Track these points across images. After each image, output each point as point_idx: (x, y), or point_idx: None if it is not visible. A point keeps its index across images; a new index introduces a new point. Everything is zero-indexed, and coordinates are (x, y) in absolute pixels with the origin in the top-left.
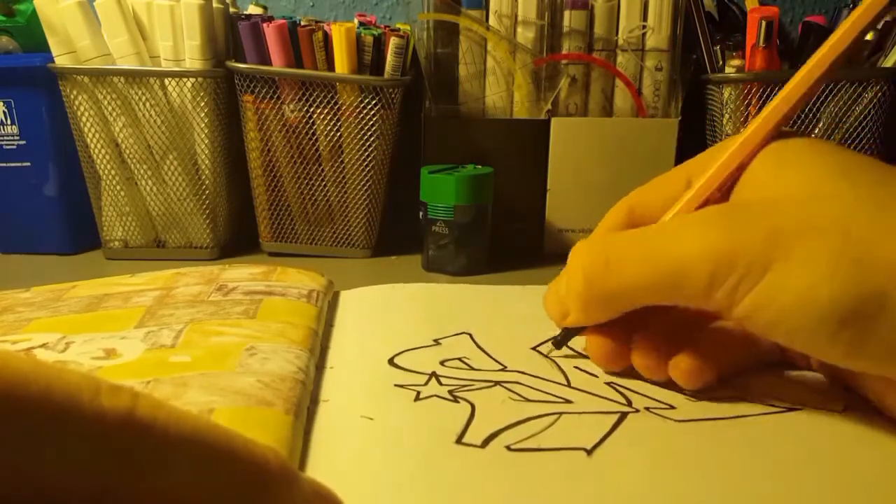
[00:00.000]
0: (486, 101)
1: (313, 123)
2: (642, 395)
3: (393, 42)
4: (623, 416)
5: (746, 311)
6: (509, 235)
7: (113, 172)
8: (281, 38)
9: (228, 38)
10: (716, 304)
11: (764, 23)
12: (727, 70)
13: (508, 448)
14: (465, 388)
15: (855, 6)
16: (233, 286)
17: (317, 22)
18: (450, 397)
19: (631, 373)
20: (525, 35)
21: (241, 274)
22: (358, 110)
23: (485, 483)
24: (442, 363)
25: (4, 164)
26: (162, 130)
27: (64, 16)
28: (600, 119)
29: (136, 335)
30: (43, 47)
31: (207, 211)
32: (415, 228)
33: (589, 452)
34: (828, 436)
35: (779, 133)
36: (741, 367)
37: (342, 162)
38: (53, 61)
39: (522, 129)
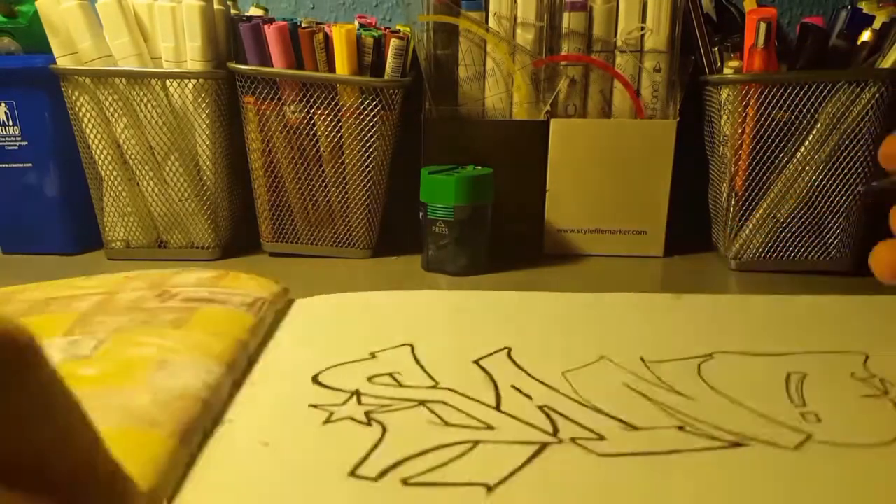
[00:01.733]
0: (486, 102)
1: (314, 124)
2: (574, 422)
3: (393, 44)
4: (543, 447)
5: None
6: (509, 235)
7: (115, 173)
8: (282, 40)
9: (230, 39)
10: None
11: (762, 24)
12: (725, 71)
13: (405, 482)
14: (385, 409)
15: (853, 8)
16: (175, 292)
17: (317, 23)
18: (364, 420)
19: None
20: (524, 36)
21: (190, 279)
22: (358, 111)
23: None
24: (369, 379)
25: (6, 165)
26: (163, 131)
27: (65, 17)
28: (599, 120)
29: (59, 344)
30: (45, 48)
31: (209, 211)
32: (415, 228)
33: (490, 489)
34: (776, 477)
35: None
36: None
37: (343, 162)
38: (55, 62)
39: (522, 130)
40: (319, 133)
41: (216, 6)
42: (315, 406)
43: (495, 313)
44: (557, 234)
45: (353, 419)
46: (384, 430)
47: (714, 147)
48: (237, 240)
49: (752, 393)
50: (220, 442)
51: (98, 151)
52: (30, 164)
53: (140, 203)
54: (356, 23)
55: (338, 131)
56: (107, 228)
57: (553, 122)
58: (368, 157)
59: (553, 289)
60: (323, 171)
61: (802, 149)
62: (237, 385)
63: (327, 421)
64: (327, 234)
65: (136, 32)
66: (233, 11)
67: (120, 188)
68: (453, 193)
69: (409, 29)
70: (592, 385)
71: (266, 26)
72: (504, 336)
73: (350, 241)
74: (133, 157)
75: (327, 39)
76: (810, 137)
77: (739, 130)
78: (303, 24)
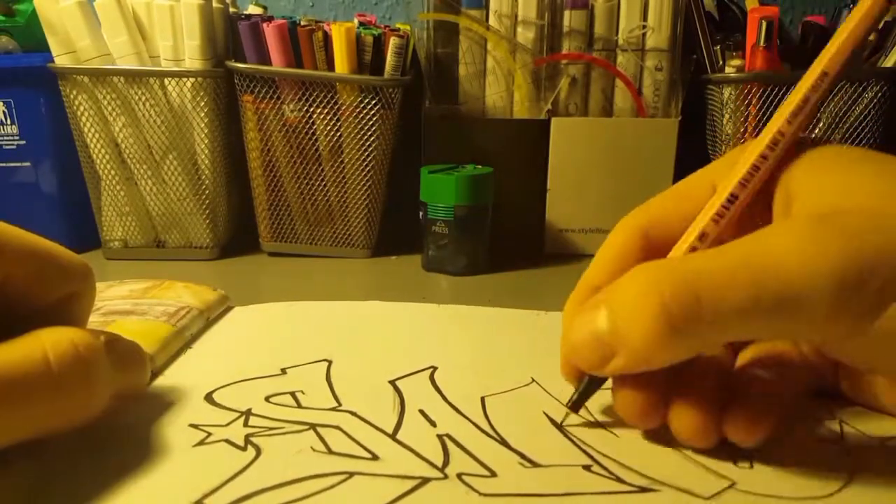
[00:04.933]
0: (486, 100)
1: (313, 123)
2: (470, 454)
3: (393, 42)
4: (423, 483)
5: (883, 335)
6: (510, 235)
7: (113, 172)
8: (281, 38)
9: (228, 37)
10: (840, 328)
11: (764, 23)
12: (727, 70)
13: None
14: (269, 433)
15: (854, 6)
16: (99, 306)
17: (316, 22)
18: (241, 443)
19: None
20: (525, 35)
21: (121, 291)
22: (358, 110)
23: None
24: (267, 399)
25: (4, 164)
26: (162, 130)
27: (64, 16)
28: (600, 119)
29: None
30: (43, 47)
31: (207, 211)
32: (415, 228)
33: None
34: None
35: (801, 140)
36: (792, 406)
37: (342, 162)
38: (53, 61)
39: (522, 128)
40: (318, 132)
41: (215, 4)
42: (195, 426)
43: (434, 328)
44: (558, 233)
45: (229, 442)
46: (258, 455)
47: (716, 146)
48: (236, 239)
49: None
50: (86, 463)
51: (96, 150)
52: (28, 164)
53: (138, 202)
54: (356, 21)
55: (337, 130)
56: (104, 228)
57: (554, 121)
58: (368, 156)
59: (553, 290)
60: (322, 171)
61: None
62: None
63: (200, 443)
64: (326, 233)
65: (134, 31)
66: (231, 10)
67: (118, 187)
68: (453, 193)
69: (408, 27)
70: (508, 412)
71: (265, 24)
72: (435, 353)
73: (349, 241)
74: (131, 156)
75: (326, 38)
76: (813, 136)
77: (741, 129)
78: (302, 23)
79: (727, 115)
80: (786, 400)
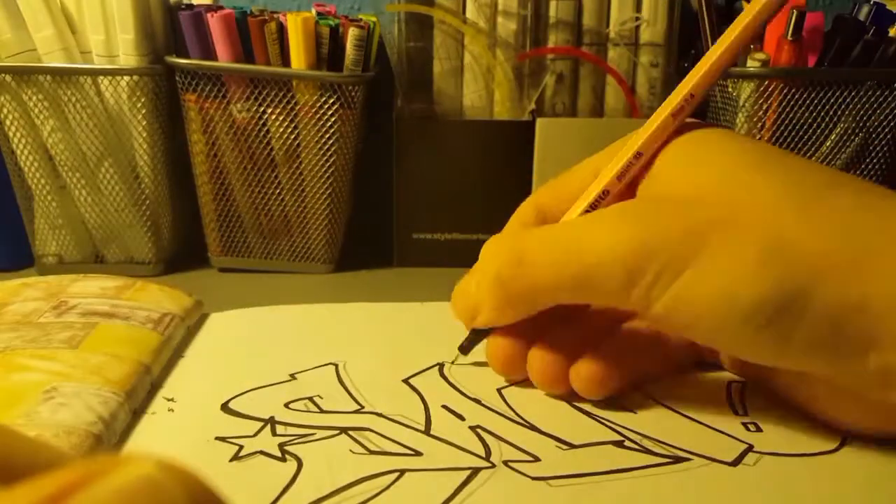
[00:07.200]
0: (464, 100)
1: (266, 124)
2: (507, 442)
3: (352, 33)
4: (474, 473)
5: (663, 311)
6: None
7: (43, 182)
8: (227, 30)
9: (169, 31)
10: (632, 304)
11: (795, 13)
12: (750, 64)
13: None
14: (302, 440)
15: (876, 4)
16: (74, 303)
17: (271, 12)
18: (277, 454)
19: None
20: (506, 27)
21: (92, 288)
22: (315, 110)
23: None
24: (287, 405)
25: None
26: (95, 135)
27: None
28: (590, 120)
29: None
30: None
31: (149, 223)
32: (386, 240)
33: None
34: (719, 495)
35: (685, 124)
36: (653, 371)
37: (299, 167)
38: None
39: (504, 131)
40: (272, 134)
41: None
42: (222, 439)
43: (427, 326)
44: None
45: (264, 453)
46: (300, 464)
47: None
48: (182, 254)
49: (694, 403)
50: None
51: (24, 158)
52: None
53: (73, 214)
54: (314, 11)
55: (293, 132)
56: (37, 242)
57: (539, 122)
58: (328, 160)
59: None
60: (277, 177)
61: (819, 153)
62: (137, 415)
63: (235, 457)
64: (283, 246)
65: (62, 24)
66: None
67: (50, 198)
68: None
69: (375, 18)
70: (528, 401)
71: (209, 15)
72: (437, 351)
73: (309, 255)
74: (63, 163)
75: (282, 29)
76: (828, 141)
77: (757, 128)
78: (253, 12)
79: (742, 115)
80: (636, 362)
